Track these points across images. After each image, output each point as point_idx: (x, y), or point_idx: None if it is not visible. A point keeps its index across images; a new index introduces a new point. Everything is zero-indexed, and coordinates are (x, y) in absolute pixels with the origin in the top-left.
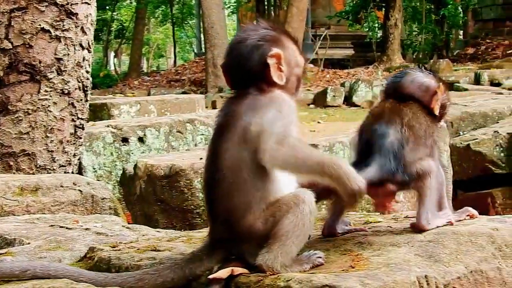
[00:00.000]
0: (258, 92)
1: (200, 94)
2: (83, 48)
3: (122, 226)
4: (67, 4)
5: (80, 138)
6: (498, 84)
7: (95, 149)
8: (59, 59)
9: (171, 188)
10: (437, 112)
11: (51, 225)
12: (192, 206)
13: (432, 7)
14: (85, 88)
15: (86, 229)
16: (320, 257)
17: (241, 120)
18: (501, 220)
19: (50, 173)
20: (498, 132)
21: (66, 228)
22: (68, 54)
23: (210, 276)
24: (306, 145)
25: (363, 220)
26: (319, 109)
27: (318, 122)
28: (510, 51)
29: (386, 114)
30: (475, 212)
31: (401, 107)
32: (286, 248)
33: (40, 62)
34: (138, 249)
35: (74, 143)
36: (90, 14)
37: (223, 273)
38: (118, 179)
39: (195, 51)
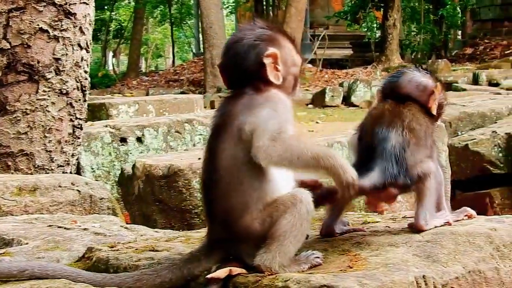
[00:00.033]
0: (254, 92)
1: (198, 94)
2: (81, 48)
3: (121, 226)
4: (65, 4)
5: (79, 138)
6: (496, 84)
7: (94, 149)
8: (57, 59)
9: (169, 188)
10: (434, 111)
11: (49, 225)
12: (191, 206)
13: (431, 7)
14: (84, 88)
15: (84, 229)
16: (318, 257)
17: (237, 120)
18: (499, 220)
19: (48, 173)
20: (496, 132)
21: (64, 228)
22: (67, 54)
23: (208, 276)
24: (300, 140)
25: (361, 220)
26: (317, 109)
27: (317, 122)
28: (508, 51)
29: (386, 116)
30: (473, 212)
31: (401, 108)
32: (284, 248)
33: (38, 62)
34: (136, 249)
35: (72, 143)
36: (89, 14)
37: (221, 273)
38: (117, 179)
39: (194, 51)
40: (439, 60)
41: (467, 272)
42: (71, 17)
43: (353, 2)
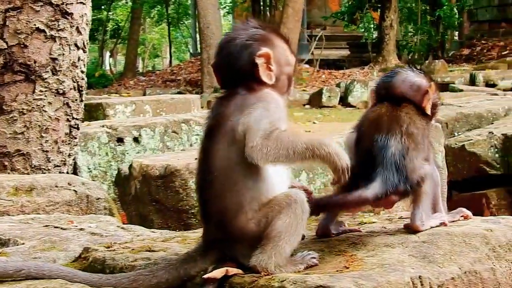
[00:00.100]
0: (247, 92)
1: (195, 94)
2: (78, 48)
3: (117, 226)
4: (62, 4)
5: (75, 138)
6: (493, 85)
7: (90, 149)
8: (54, 59)
9: (166, 188)
10: (429, 111)
11: (46, 225)
12: (187, 206)
13: (428, 8)
14: (80, 88)
15: (81, 229)
16: (314, 258)
17: (230, 120)
18: (495, 221)
19: (45, 173)
20: (492, 133)
21: (61, 228)
22: (63, 54)
23: (205, 276)
24: (293, 134)
25: (357, 221)
26: (314, 109)
27: (314, 123)
28: (505, 52)
29: (384, 122)
30: (469, 213)
31: (398, 112)
32: (279, 248)
33: (35, 62)
34: (132, 249)
35: (69, 143)
36: (85, 14)
37: (218, 273)
38: (113, 179)
39: (191, 51)
40: (436, 61)
41: (463, 272)
42: (68, 17)
43: (350, 3)
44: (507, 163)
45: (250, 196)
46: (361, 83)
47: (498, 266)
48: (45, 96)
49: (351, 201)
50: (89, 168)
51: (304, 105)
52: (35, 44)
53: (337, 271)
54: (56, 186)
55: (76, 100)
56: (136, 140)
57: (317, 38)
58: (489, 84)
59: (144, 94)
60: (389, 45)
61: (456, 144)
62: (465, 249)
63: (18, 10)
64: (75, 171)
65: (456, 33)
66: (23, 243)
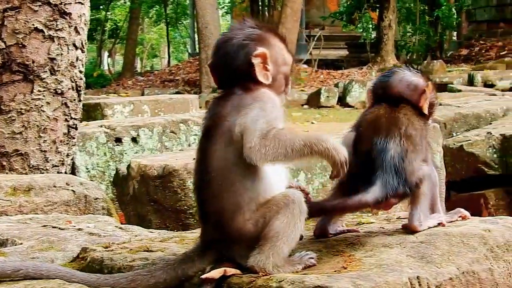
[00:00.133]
0: (243, 92)
1: (194, 94)
2: (76, 48)
3: (115, 226)
4: (61, 4)
5: (73, 138)
6: (492, 85)
7: (88, 149)
8: (52, 59)
9: (164, 188)
10: (426, 111)
11: (44, 226)
12: (185, 207)
13: (426, 8)
14: (79, 88)
15: (79, 229)
16: (312, 258)
17: (226, 121)
18: (493, 221)
19: (43, 173)
20: (491, 133)
21: (59, 228)
22: (62, 54)
23: (203, 276)
24: (290, 132)
25: (355, 221)
26: (313, 109)
27: (312, 123)
28: (503, 53)
29: (383, 124)
30: (467, 213)
31: (396, 114)
32: (277, 249)
33: (33, 62)
34: (130, 249)
35: (67, 143)
36: (84, 14)
37: (216, 273)
38: (111, 179)
39: (189, 51)
40: (435, 61)
41: (461, 273)
42: (66, 17)
43: (348, 3)
44: (505, 163)
45: (248, 196)
46: (360, 83)
47: (496, 267)
48: (43, 96)
49: (351, 206)
50: (87, 168)
51: (302, 105)
52: (33, 44)
53: (335, 271)
54: (54, 186)
55: (74, 100)
56: (134, 140)
57: (315, 38)
58: (488, 85)
59: (143, 94)
60: (387, 45)
61: (454, 144)
62: (463, 250)
63: (16, 10)
64: (73, 171)
65: (455, 33)
66: (21, 243)
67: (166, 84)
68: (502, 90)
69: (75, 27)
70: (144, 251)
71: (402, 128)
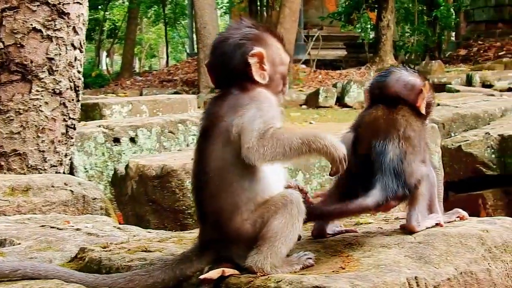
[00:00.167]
0: (240, 91)
1: (192, 94)
2: (74, 48)
3: (113, 226)
4: (59, 3)
5: (72, 138)
6: (490, 86)
7: (87, 149)
8: (50, 59)
9: (162, 188)
10: (423, 110)
11: (42, 226)
12: (184, 207)
13: (425, 8)
14: (77, 88)
15: (77, 229)
16: (310, 258)
17: (223, 121)
18: (491, 221)
19: (41, 173)
20: (489, 134)
21: (57, 228)
22: (60, 54)
23: (201, 276)
24: (287, 130)
25: (353, 221)
26: (311, 109)
27: (310, 123)
28: (502, 53)
29: (381, 126)
30: (465, 213)
31: (394, 115)
32: (275, 249)
33: (31, 61)
34: (129, 249)
35: (65, 143)
36: (82, 14)
37: (214, 273)
38: (110, 179)
39: (188, 51)
40: (433, 61)
41: (459, 273)
42: (64, 16)
43: (347, 3)
44: (504, 164)
45: (246, 196)
46: (358, 84)
47: (494, 267)
48: (42, 96)
49: (352, 210)
50: (85, 168)
51: (300, 105)
52: (32, 44)
53: (333, 271)
54: (53, 186)
55: (72, 100)
56: (132, 140)
57: (314, 39)
58: (486, 85)
59: (141, 94)
60: (386, 46)
61: (452, 144)
62: (461, 250)
63: (15, 10)
64: (72, 171)
65: (453, 33)
66: (19, 243)
67: (165, 84)
68: (500, 91)
69: (74, 27)
70: (142, 251)
71: (401, 129)
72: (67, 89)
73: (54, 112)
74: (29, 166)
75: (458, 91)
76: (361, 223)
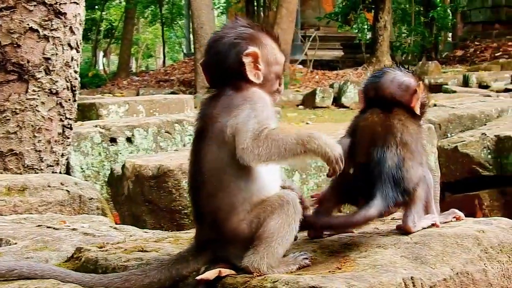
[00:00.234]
0: (234, 91)
1: (189, 94)
2: (71, 48)
3: (110, 226)
4: (56, 3)
5: (68, 138)
6: (487, 87)
7: (83, 149)
8: (47, 59)
9: (159, 188)
10: (418, 111)
11: (38, 225)
12: (180, 207)
13: (421, 9)
14: (73, 88)
15: (73, 229)
16: (307, 258)
17: (218, 122)
18: (487, 222)
19: (37, 173)
20: (485, 135)
21: (53, 228)
22: (57, 54)
23: (198, 277)
24: (282, 131)
25: None
26: (308, 110)
27: (307, 123)
28: (498, 54)
29: (379, 133)
30: (461, 214)
31: (391, 120)
32: (271, 249)
33: (28, 61)
34: (125, 249)
35: (62, 143)
36: (79, 14)
37: (211, 274)
38: (106, 179)
39: (185, 51)
40: (430, 62)
41: (455, 273)
42: (61, 16)
43: (344, 4)
44: (500, 164)
45: (242, 197)
46: (355, 84)
47: (490, 267)
48: (38, 96)
49: (357, 222)
50: (82, 168)
51: (297, 105)
52: (28, 44)
53: (329, 271)
54: (49, 186)
55: (69, 100)
56: (129, 140)
57: (311, 39)
58: (482, 86)
59: (138, 94)
60: (382, 46)
61: (449, 145)
62: (457, 250)
63: (11, 10)
64: (68, 171)
65: (450, 34)
66: (15, 243)
67: (161, 84)
68: (497, 91)
69: (70, 27)
70: (138, 251)
71: (398, 135)
72: (64, 89)
73: (50, 112)
74: (26, 166)
75: (454, 91)
76: None
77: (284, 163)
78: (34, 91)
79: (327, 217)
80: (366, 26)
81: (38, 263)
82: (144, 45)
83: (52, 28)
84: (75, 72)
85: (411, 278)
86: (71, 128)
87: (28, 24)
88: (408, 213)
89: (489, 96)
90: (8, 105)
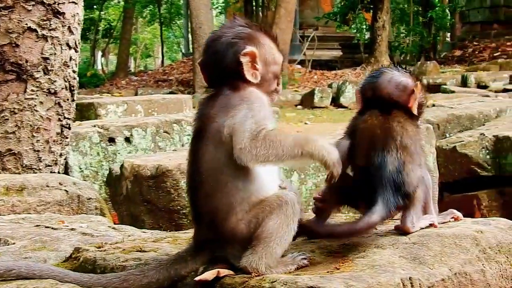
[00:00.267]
0: (231, 91)
1: (187, 94)
2: (70, 47)
3: (108, 226)
4: (54, 3)
5: (67, 137)
6: (485, 87)
7: (82, 149)
8: (45, 59)
9: (157, 188)
10: (415, 111)
11: (37, 225)
12: (179, 207)
13: (420, 9)
14: (72, 88)
15: (72, 229)
16: (305, 259)
17: (215, 122)
18: (485, 222)
19: (36, 172)
20: (484, 135)
21: (52, 228)
22: (55, 54)
23: (196, 278)
24: (280, 132)
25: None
26: (306, 110)
27: (305, 123)
28: (497, 54)
29: (378, 137)
30: (459, 214)
31: (390, 123)
32: (270, 249)
33: (26, 61)
34: (123, 249)
35: (60, 143)
36: (77, 13)
37: (209, 275)
38: (105, 179)
39: (183, 51)
40: (428, 62)
41: (453, 274)
42: (59, 16)
43: (342, 4)
44: (498, 165)
45: (240, 196)
46: (353, 84)
47: (488, 268)
48: (37, 95)
49: (361, 230)
50: (80, 168)
51: (296, 105)
52: (27, 44)
53: (327, 272)
54: (47, 186)
55: (67, 99)
56: (127, 140)
57: (309, 39)
58: (481, 86)
59: (136, 94)
60: (381, 46)
61: (447, 145)
62: (455, 251)
63: (10, 9)
64: (66, 171)
65: (448, 34)
66: (13, 243)
67: (160, 84)
68: (495, 91)
69: (69, 27)
70: (137, 251)
71: (398, 139)
72: (62, 88)
73: (49, 111)
74: (24, 165)
75: (453, 92)
76: None
77: (280, 164)
78: (32, 90)
79: (330, 226)
80: (364, 26)
81: (36, 263)
82: (142, 45)
83: (50, 27)
84: (74, 72)
85: (410, 278)
86: (69, 128)
87: (26, 24)
88: (406, 213)
89: (487, 96)
90: (6, 104)
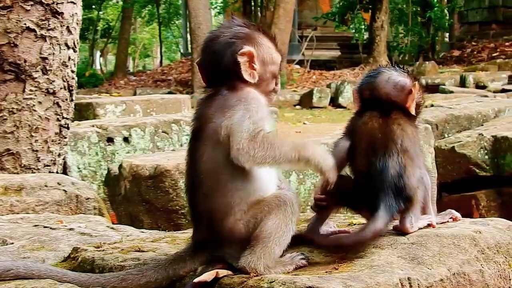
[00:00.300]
0: (229, 91)
1: (186, 94)
2: (68, 47)
3: (107, 226)
4: (53, 3)
5: (65, 137)
6: (483, 87)
7: (80, 149)
8: (44, 59)
9: (156, 188)
10: (413, 111)
11: (35, 225)
12: (177, 207)
13: (418, 9)
14: (70, 88)
15: (70, 229)
16: (304, 259)
17: (212, 123)
18: (484, 222)
19: (34, 172)
20: (482, 135)
21: (50, 228)
22: (54, 54)
23: (195, 280)
24: (277, 136)
25: (347, 222)
26: (305, 110)
27: (304, 123)
28: (495, 54)
29: (379, 141)
30: (458, 214)
31: (390, 125)
32: (268, 249)
33: (25, 61)
34: (122, 249)
35: (59, 143)
36: (76, 13)
37: (208, 276)
38: (103, 179)
39: (182, 51)
40: (427, 62)
41: (451, 274)
42: (58, 16)
43: (341, 4)
44: (497, 165)
45: (238, 196)
46: (352, 84)
47: (487, 268)
48: (35, 95)
49: (369, 238)
50: (79, 168)
51: (294, 105)
52: (25, 44)
53: (326, 272)
54: (46, 186)
55: (66, 99)
56: (126, 140)
57: (308, 39)
58: (479, 86)
59: (135, 94)
60: (379, 46)
61: (446, 145)
62: (454, 251)
63: (8, 9)
64: (65, 170)
65: (447, 34)
66: (12, 243)
67: (158, 84)
68: (494, 92)
69: (67, 27)
70: (135, 251)
71: (398, 142)
72: (61, 88)
73: (47, 111)
74: (23, 165)
75: (451, 92)
76: (354, 224)
77: (276, 166)
78: (31, 90)
79: (335, 237)
80: (363, 26)
81: (35, 263)
82: (141, 45)
83: (49, 27)
84: (72, 71)
85: (408, 278)
86: (68, 128)
87: (25, 24)
88: (405, 214)
89: (486, 96)
90: (5, 104)
